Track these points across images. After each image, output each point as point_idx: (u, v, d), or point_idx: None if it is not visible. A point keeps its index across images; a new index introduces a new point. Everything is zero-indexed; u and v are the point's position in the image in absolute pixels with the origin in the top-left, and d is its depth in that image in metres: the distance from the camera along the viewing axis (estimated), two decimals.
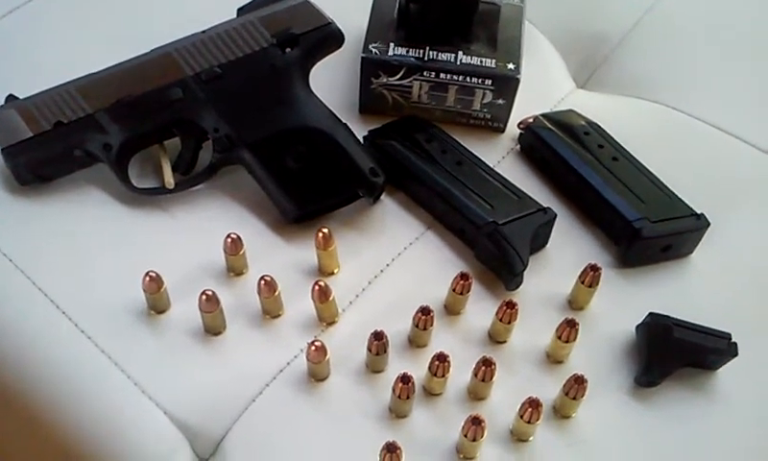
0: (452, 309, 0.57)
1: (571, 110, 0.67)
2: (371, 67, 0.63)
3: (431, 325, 0.54)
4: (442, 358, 0.52)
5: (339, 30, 0.63)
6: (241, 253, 0.57)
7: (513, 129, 0.66)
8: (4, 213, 0.59)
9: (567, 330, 0.54)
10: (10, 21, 0.70)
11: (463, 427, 0.50)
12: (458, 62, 0.63)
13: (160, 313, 0.56)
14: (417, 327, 0.55)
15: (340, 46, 0.64)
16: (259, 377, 0.54)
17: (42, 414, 0.55)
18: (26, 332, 0.56)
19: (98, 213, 0.60)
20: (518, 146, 0.66)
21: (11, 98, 0.60)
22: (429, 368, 0.53)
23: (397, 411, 0.53)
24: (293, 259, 0.59)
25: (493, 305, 0.56)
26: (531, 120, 0.65)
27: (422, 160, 0.62)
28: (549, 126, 0.64)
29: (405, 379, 0.51)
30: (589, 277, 0.56)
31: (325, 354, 0.53)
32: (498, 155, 0.65)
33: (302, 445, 0.52)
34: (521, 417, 0.51)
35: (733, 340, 0.55)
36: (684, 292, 0.59)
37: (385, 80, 0.64)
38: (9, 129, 0.59)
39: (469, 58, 0.63)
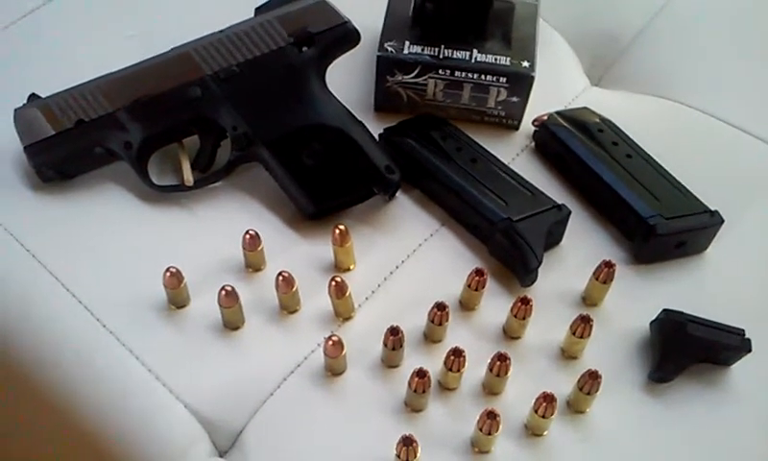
0: (467, 305, 0.58)
1: (585, 108, 0.67)
2: (386, 65, 0.64)
3: (446, 320, 0.55)
4: (457, 353, 0.52)
5: (355, 28, 0.63)
6: (259, 249, 0.57)
7: (527, 126, 0.66)
8: (27, 210, 0.60)
9: (582, 326, 0.54)
10: (30, 21, 0.71)
11: (478, 421, 0.51)
12: (473, 60, 0.63)
13: (180, 308, 0.57)
14: (432, 322, 0.55)
15: (356, 45, 0.64)
16: (277, 372, 0.55)
17: (64, 406, 0.56)
18: (48, 327, 0.56)
19: (119, 210, 0.61)
20: (533, 143, 0.66)
21: (33, 97, 0.61)
22: (444, 363, 0.53)
23: (413, 405, 0.54)
24: (310, 255, 0.59)
25: (508, 301, 0.56)
26: (545, 117, 0.65)
27: (437, 158, 0.62)
28: (563, 123, 0.65)
29: (421, 374, 0.51)
30: (604, 273, 0.57)
31: (342, 349, 0.53)
32: (513, 152, 0.66)
33: (319, 438, 0.53)
34: (536, 411, 0.51)
35: (747, 336, 0.55)
36: (697, 288, 0.59)
37: (400, 78, 0.64)
38: (31, 127, 0.60)
39: (484, 56, 0.63)
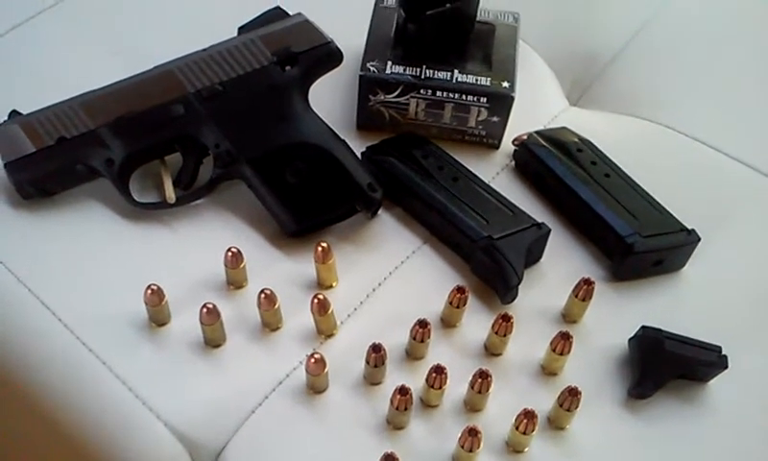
0: (449, 322, 0.58)
1: (564, 128, 0.68)
2: (368, 85, 0.65)
3: (428, 337, 0.55)
4: (439, 370, 0.53)
5: (338, 48, 0.64)
6: (241, 266, 0.57)
7: (507, 145, 0.67)
8: (6, 227, 0.60)
9: (562, 343, 0.55)
10: (13, 37, 0.71)
11: (459, 439, 0.51)
12: (454, 81, 0.64)
13: (161, 326, 0.56)
14: (414, 339, 0.55)
15: (339, 64, 0.65)
16: (259, 390, 0.55)
17: (43, 425, 0.55)
18: (28, 345, 0.56)
19: (100, 227, 0.61)
20: (513, 162, 0.67)
21: (14, 114, 0.61)
22: (426, 380, 0.53)
23: (395, 423, 0.54)
24: (292, 273, 0.59)
25: (489, 318, 0.57)
26: (525, 137, 0.66)
27: (419, 176, 0.63)
28: (543, 143, 0.65)
29: (403, 391, 0.52)
30: (583, 290, 0.57)
31: (324, 367, 0.53)
32: (493, 170, 0.66)
33: (301, 456, 0.53)
34: (517, 428, 0.52)
35: (723, 352, 0.56)
36: (675, 306, 0.60)
37: (382, 97, 0.65)
38: (12, 144, 0.60)
39: (465, 76, 0.64)
